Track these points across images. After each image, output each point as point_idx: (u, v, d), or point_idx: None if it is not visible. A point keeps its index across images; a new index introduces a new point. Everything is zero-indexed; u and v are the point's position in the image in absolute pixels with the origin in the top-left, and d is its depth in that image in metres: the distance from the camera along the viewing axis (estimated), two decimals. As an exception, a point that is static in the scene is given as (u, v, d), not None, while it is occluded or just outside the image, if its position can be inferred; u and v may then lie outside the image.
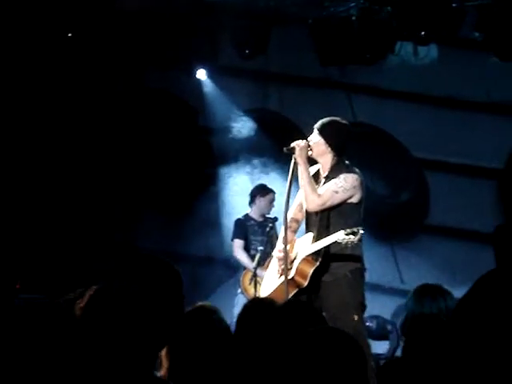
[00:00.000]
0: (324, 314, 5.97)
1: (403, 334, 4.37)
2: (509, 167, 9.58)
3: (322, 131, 6.12)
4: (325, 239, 5.88)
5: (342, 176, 6.02)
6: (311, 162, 6.21)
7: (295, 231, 6.34)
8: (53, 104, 9.92)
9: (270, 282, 6.40)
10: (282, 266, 6.07)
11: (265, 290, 6.46)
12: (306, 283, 5.98)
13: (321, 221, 6.01)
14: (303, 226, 6.29)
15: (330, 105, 10.00)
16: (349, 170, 6.10)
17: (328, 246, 5.95)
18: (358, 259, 6.09)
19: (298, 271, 6.00)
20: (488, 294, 1.46)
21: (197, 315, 3.69)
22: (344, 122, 6.26)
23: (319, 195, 6.00)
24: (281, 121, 10.34)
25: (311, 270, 5.96)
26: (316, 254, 5.99)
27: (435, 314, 4.25)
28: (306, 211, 6.16)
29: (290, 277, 6.03)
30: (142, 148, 10.39)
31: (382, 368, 3.79)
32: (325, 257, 5.98)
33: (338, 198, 5.99)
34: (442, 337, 3.47)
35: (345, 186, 6.00)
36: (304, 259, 5.99)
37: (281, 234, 6.44)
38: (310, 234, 6.05)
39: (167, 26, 9.50)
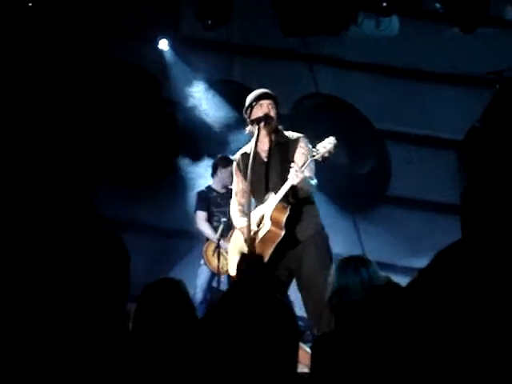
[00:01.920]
0: (296, 276, 6.11)
1: (330, 310, 4.39)
2: (469, 138, 9.66)
3: (276, 101, 6.34)
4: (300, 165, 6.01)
5: (302, 145, 6.24)
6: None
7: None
8: (11, 73, 9.80)
9: (237, 256, 6.40)
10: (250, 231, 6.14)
11: (234, 266, 6.46)
12: (282, 232, 6.07)
13: (282, 182, 6.10)
14: None
15: (293, 76, 10.02)
16: (298, 136, 6.32)
17: (294, 198, 6.09)
18: (319, 216, 6.33)
19: (272, 220, 6.08)
20: (450, 266, 1.49)
21: (160, 287, 3.71)
22: None
23: (314, 183, 6.15)
24: (244, 91, 10.29)
25: (284, 217, 6.10)
26: (285, 201, 6.12)
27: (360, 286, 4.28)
28: (265, 183, 6.28)
29: (265, 230, 6.09)
30: (105, 118, 10.32)
31: (316, 341, 3.84)
32: (292, 213, 6.08)
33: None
34: (371, 309, 3.49)
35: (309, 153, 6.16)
36: (275, 208, 6.10)
37: (233, 208, 6.50)
38: (272, 194, 6.17)
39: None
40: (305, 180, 6.00)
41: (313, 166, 6.11)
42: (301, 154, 6.19)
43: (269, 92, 6.37)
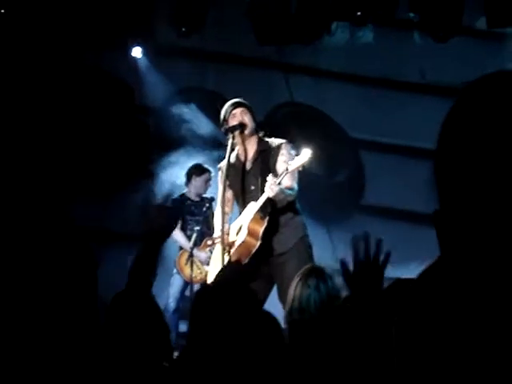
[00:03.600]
0: (277, 287, 6.09)
1: (288, 323, 4.30)
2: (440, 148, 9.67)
3: (249, 107, 6.35)
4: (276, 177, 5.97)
5: (284, 152, 6.21)
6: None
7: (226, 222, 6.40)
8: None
9: (217, 264, 6.39)
10: (225, 242, 6.13)
11: (213, 273, 6.44)
12: (258, 243, 6.06)
13: (262, 191, 6.07)
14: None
15: (268, 84, 10.00)
16: (280, 142, 6.28)
17: (273, 209, 6.06)
18: (303, 226, 6.30)
19: (249, 231, 6.07)
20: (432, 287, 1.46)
21: (127, 295, 3.67)
22: None
23: (292, 186, 6.11)
24: (218, 100, 10.28)
25: (261, 228, 6.09)
26: (263, 212, 6.10)
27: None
28: (243, 192, 6.26)
29: (241, 240, 6.08)
30: (79, 127, 10.25)
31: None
32: (272, 223, 6.07)
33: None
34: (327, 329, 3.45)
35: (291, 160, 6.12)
36: (252, 218, 6.08)
37: (216, 216, 6.50)
38: (251, 203, 6.14)
39: (103, 2, 9.38)
40: (282, 192, 5.97)
41: (296, 173, 6.09)
42: (282, 161, 6.17)
43: (240, 101, 6.36)
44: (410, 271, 2.88)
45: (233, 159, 6.37)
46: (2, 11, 9.23)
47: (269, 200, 6.03)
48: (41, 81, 10.09)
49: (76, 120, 10.22)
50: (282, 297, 6.08)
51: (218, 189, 6.62)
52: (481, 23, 9.40)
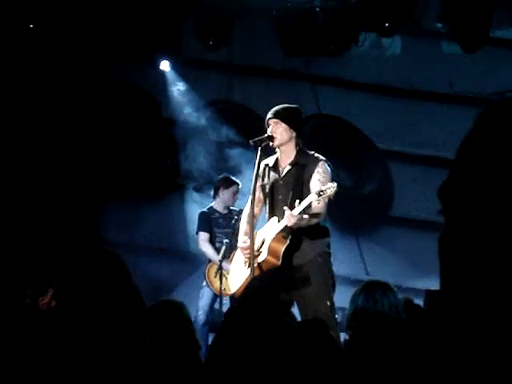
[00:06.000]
0: (296, 300, 6.06)
1: (348, 328, 4.34)
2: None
3: (285, 118, 6.25)
4: (299, 205, 5.92)
5: (320, 170, 6.16)
6: (268, 153, 6.33)
7: (254, 227, 6.39)
8: (16, 96, 9.80)
9: (238, 275, 6.41)
10: (249, 255, 6.12)
11: (234, 284, 6.47)
12: (279, 262, 6.05)
13: (290, 205, 6.04)
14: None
15: (295, 96, 9.98)
16: (318, 159, 6.24)
17: (295, 229, 6.01)
18: (326, 243, 6.20)
19: (270, 250, 6.06)
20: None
21: (162, 309, 3.67)
22: (295, 105, 6.45)
23: (319, 213, 6.05)
24: (245, 113, 10.31)
25: (283, 248, 6.07)
26: (285, 231, 6.07)
27: (386, 312, 4.25)
28: (272, 199, 6.25)
29: (262, 259, 6.08)
30: (107, 140, 10.30)
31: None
32: (294, 238, 6.05)
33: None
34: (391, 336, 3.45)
35: (327, 180, 6.09)
36: (275, 237, 6.07)
37: (242, 227, 6.50)
38: (275, 218, 6.13)
39: (131, 17, 9.43)
40: (301, 220, 5.94)
41: (326, 199, 6.03)
42: (316, 180, 6.13)
43: (276, 110, 6.31)
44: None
45: (272, 162, 6.36)
46: (31, 26, 9.29)
47: None
48: (71, 94, 10.16)
49: (104, 133, 10.28)
50: (302, 311, 6.05)
51: (247, 200, 6.62)
52: (509, 34, 9.35)
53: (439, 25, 9.28)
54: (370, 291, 4.40)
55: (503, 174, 1.39)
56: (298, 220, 5.90)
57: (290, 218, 5.89)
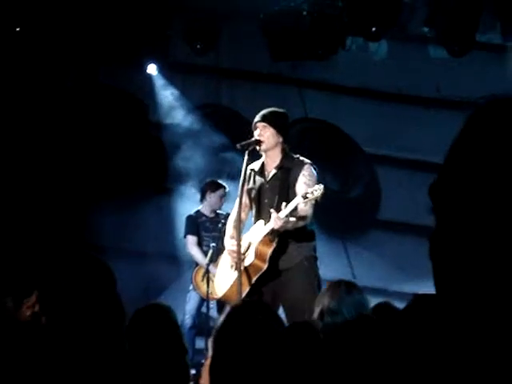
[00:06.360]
0: (282, 304, 6.07)
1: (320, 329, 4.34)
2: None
3: (272, 122, 6.24)
4: (286, 208, 5.92)
5: (306, 173, 6.18)
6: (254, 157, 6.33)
7: (241, 231, 6.39)
8: (2, 99, 9.76)
9: (224, 278, 6.41)
10: (236, 259, 6.12)
11: (220, 287, 6.47)
12: (265, 266, 6.07)
13: (277, 209, 6.05)
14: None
15: (282, 100, 9.98)
16: (304, 162, 6.25)
17: (281, 232, 6.02)
18: (312, 247, 6.22)
19: (257, 253, 6.08)
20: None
21: (149, 313, 3.67)
22: (283, 110, 6.44)
23: (306, 215, 6.04)
24: (233, 116, 10.31)
25: (270, 251, 6.09)
26: (272, 235, 6.09)
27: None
28: (259, 203, 6.25)
29: (249, 262, 6.09)
30: (93, 144, 10.28)
31: None
32: (280, 241, 6.06)
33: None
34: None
35: (313, 183, 6.10)
36: (261, 240, 6.09)
37: (228, 231, 6.50)
38: (261, 221, 6.14)
39: (119, 20, 9.41)
40: (287, 223, 5.95)
41: (312, 202, 6.04)
42: (302, 183, 6.14)
43: (264, 114, 6.32)
44: (428, 286, 2.85)
45: (258, 166, 6.36)
46: (18, 29, 9.25)
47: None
48: (56, 97, 10.13)
49: (91, 136, 10.25)
50: (288, 314, 6.06)
51: (233, 204, 6.62)
52: (496, 38, 9.39)
53: (426, 29, 9.31)
54: (335, 291, 4.41)
55: (494, 172, 1.40)
56: (284, 223, 5.91)
57: (276, 220, 5.90)
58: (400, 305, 5.76)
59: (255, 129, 6.30)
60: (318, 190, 5.88)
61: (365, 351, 3.12)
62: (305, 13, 9.20)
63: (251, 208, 6.42)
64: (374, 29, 8.97)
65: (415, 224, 9.73)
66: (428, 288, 2.28)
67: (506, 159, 1.41)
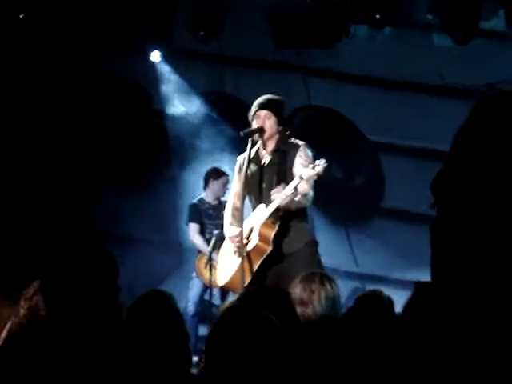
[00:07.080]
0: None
1: None
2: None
3: (274, 110, 6.26)
4: (285, 189, 5.93)
5: (302, 154, 6.21)
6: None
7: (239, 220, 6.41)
8: (4, 87, 9.76)
9: (227, 266, 6.42)
10: (238, 244, 6.14)
11: (223, 275, 6.48)
12: (269, 248, 6.10)
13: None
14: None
15: (286, 87, 9.97)
16: (298, 144, 6.28)
17: (283, 214, 6.03)
18: (311, 230, 6.30)
19: (260, 236, 6.09)
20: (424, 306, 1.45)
21: (150, 300, 3.67)
22: (280, 97, 6.48)
23: (306, 193, 6.07)
24: (237, 104, 10.28)
25: (273, 233, 6.13)
26: (274, 217, 6.11)
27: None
28: (258, 188, 6.26)
29: (252, 245, 6.11)
30: (96, 131, 10.28)
31: None
32: (281, 224, 6.07)
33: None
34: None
35: (309, 163, 6.09)
36: (264, 223, 6.12)
37: (226, 219, 6.52)
38: (262, 205, 6.16)
39: (121, 8, 9.39)
40: (292, 199, 5.97)
41: (312, 180, 6.06)
42: (299, 164, 6.17)
43: (265, 102, 6.32)
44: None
45: (253, 154, 6.37)
46: (21, 16, 9.23)
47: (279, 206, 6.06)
48: (59, 84, 10.13)
49: (93, 124, 10.25)
50: None
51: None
52: (500, 25, 9.35)
53: (430, 17, 9.27)
54: (308, 282, 4.40)
55: (496, 166, 1.40)
56: (289, 199, 5.93)
57: (281, 196, 5.93)
58: (402, 292, 5.77)
59: (257, 118, 6.29)
60: (321, 164, 5.88)
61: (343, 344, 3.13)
62: (308, 0, 9.18)
63: (249, 194, 6.41)
64: (377, 16, 8.94)
65: (419, 212, 9.72)
66: (430, 276, 2.28)
67: (509, 154, 1.41)
